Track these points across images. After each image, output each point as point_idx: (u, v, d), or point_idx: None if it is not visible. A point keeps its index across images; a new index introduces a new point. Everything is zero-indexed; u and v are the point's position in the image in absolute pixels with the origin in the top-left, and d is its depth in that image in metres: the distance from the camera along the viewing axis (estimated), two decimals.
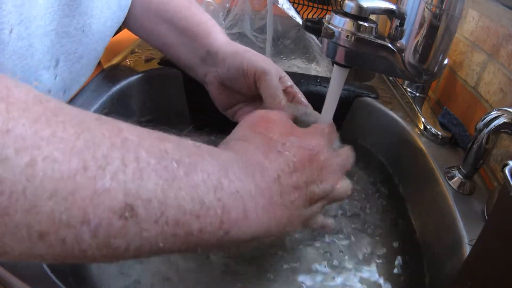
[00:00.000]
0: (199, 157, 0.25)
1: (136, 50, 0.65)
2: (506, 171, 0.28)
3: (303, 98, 0.46)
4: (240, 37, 0.83)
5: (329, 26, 0.37)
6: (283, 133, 0.33)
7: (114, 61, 0.60)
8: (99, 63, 0.57)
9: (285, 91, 0.45)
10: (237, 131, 0.35)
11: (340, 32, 0.37)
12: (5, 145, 0.17)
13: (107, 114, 0.46)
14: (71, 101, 0.49)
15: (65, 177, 0.18)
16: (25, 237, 0.18)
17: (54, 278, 0.30)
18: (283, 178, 0.30)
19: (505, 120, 0.38)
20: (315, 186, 0.33)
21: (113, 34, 0.50)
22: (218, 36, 0.50)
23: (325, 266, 0.44)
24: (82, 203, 0.19)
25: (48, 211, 0.18)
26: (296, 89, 0.47)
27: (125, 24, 0.53)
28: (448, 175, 0.45)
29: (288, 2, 0.73)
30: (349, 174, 0.37)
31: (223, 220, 0.25)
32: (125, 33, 0.72)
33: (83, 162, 0.19)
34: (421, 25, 0.39)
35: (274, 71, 0.45)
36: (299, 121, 0.42)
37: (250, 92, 0.47)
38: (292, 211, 0.31)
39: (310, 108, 0.45)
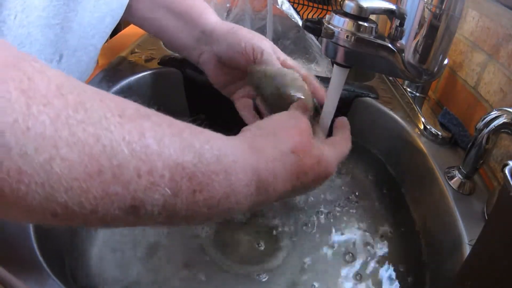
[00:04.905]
0: (213, 176, 0.25)
1: (136, 50, 0.65)
2: (506, 171, 0.28)
3: (297, 67, 0.47)
4: None
5: (329, 26, 0.37)
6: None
7: (114, 61, 0.60)
8: (98, 64, 0.57)
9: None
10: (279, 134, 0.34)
11: (340, 32, 0.37)
12: (25, 143, 0.18)
13: None
14: None
15: (80, 179, 0.20)
16: (39, 215, 0.20)
17: (53, 277, 0.30)
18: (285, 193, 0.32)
19: (505, 120, 0.38)
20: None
21: (111, 32, 0.50)
22: (211, 16, 0.52)
23: (323, 264, 0.44)
24: (93, 200, 0.20)
25: (62, 201, 0.20)
26: (290, 61, 0.47)
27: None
28: (448, 175, 0.45)
29: (288, 2, 0.73)
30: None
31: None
32: (125, 33, 0.72)
33: (99, 167, 0.20)
34: (421, 25, 0.39)
35: (270, 48, 0.47)
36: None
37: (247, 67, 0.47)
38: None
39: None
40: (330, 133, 0.42)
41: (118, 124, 0.21)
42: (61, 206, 0.20)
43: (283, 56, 0.47)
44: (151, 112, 0.24)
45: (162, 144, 0.23)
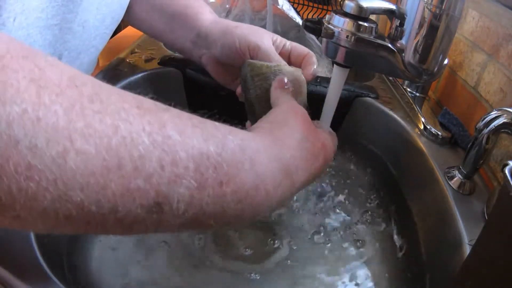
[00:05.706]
0: (239, 165, 0.24)
1: (136, 50, 0.65)
2: (506, 171, 0.28)
3: (299, 49, 0.47)
4: None
5: (329, 26, 0.37)
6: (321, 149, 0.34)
7: (114, 61, 0.60)
8: (98, 64, 0.57)
9: (281, 53, 0.47)
10: (278, 117, 0.34)
11: (340, 32, 0.37)
12: (35, 135, 0.16)
13: None
14: None
15: (97, 173, 0.18)
16: (51, 219, 0.18)
17: (53, 277, 0.30)
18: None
19: (505, 120, 0.38)
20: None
21: (112, 32, 0.50)
22: (205, 17, 0.50)
23: (324, 264, 0.44)
24: (112, 197, 0.19)
25: (78, 201, 0.18)
26: (289, 45, 0.48)
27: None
28: (448, 175, 0.45)
29: (288, 3, 0.73)
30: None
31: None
32: (125, 33, 0.72)
33: (118, 160, 0.18)
34: (421, 25, 0.39)
35: (267, 42, 0.45)
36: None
37: None
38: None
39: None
40: None
41: (137, 115, 0.20)
42: (76, 206, 0.18)
43: (283, 42, 0.47)
44: (169, 106, 0.23)
45: (184, 134, 0.21)
